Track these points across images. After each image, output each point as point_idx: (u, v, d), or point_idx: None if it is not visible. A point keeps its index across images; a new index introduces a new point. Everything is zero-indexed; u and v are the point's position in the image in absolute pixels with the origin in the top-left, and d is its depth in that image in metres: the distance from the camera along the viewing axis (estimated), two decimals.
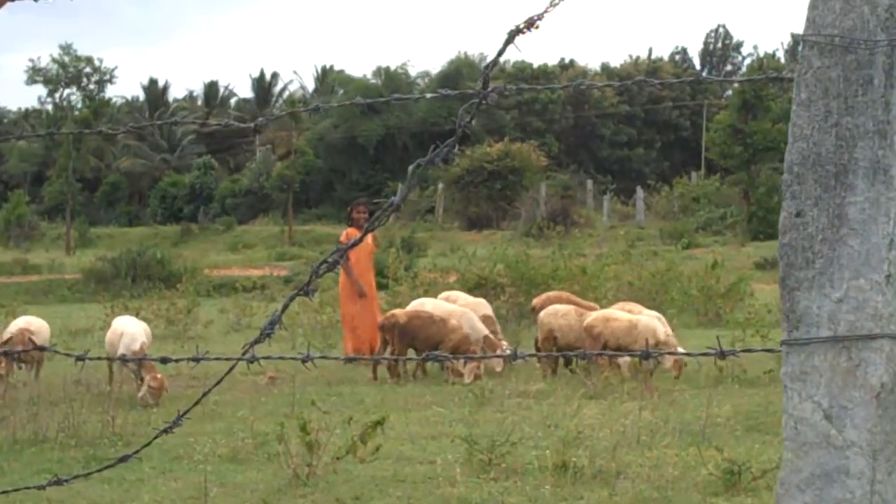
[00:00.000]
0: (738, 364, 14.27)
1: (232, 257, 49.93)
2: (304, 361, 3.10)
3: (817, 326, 2.26)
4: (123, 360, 2.67)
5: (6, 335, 14.57)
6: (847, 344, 2.24)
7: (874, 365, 2.22)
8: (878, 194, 2.23)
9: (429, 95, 3.00)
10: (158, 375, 13.20)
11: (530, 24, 2.66)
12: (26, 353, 11.11)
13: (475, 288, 22.77)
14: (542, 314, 15.83)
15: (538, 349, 15.36)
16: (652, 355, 2.88)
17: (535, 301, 17.54)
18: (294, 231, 59.75)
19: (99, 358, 3.99)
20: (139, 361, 12.67)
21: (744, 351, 2.82)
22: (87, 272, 37.34)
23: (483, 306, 17.39)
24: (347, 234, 17.95)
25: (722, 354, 2.68)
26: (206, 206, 73.07)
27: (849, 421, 2.24)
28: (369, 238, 17.95)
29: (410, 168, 2.80)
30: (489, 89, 2.75)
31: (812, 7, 2.29)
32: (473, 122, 2.76)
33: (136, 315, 18.54)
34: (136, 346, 13.58)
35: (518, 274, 23.13)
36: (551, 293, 18.27)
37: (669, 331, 15.52)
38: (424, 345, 15.06)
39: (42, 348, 3.71)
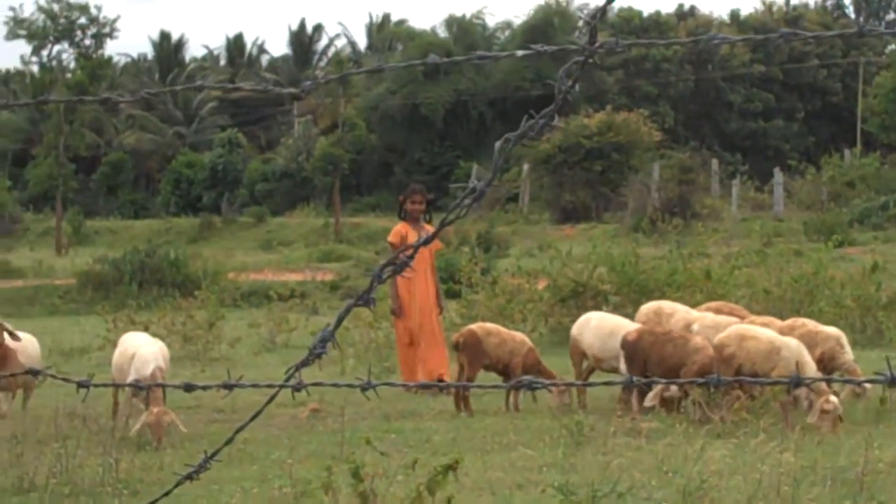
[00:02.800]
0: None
1: (264, 258, 50.14)
2: (363, 389, 3.11)
3: None
4: (137, 386, 2.67)
5: None
6: None
7: None
8: None
9: (519, 53, 3.00)
10: (156, 409, 13.13)
11: None
12: (12, 377, 11.12)
13: (570, 297, 22.78)
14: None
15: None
16: (803, 383, 2.89)
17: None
18: (341, 225, 59.99)
19: (107, 384, 4.03)
20: (151, 390, 12.76)
21: None
22: (83, 276, 37.57)
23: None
24: (398, 230, 17.89)
25: (893, 381, 2.68)
26: (232, 193, 73.38)
27: None
28: (428, 230, 17.90)
29: (498, 144, 2.81)
30: (596, 45, 2.76)
31: None
32: (577, 86, 2.77)
33: (146, 330, 18.64)
34: (148, 371, 13.63)
35: (625, 279, 23.15)
36: (712, 304, 18.25)
37: (848, 354, 15.55)
38: (659, 368, 14.69)
39: (34, 372, 3.71)
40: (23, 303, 33.94)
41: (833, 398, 13.40)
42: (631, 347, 14.97)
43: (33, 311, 32.21)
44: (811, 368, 13.96)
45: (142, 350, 14.38)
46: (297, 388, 3.02)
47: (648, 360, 14.70)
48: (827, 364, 15.32)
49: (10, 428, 13.34)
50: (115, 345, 16.03)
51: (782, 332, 15.53)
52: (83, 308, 32.67)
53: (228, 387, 3.19)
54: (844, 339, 15.90)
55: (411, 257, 3.01)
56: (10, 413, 14.46)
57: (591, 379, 15.94)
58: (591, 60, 2.74)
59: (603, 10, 2.67)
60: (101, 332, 22.00)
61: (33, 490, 10.87)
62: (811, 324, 16.32)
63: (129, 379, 13.21)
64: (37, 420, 14.16)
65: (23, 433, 13.34)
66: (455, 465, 9.66)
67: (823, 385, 13.46)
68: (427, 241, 2.95)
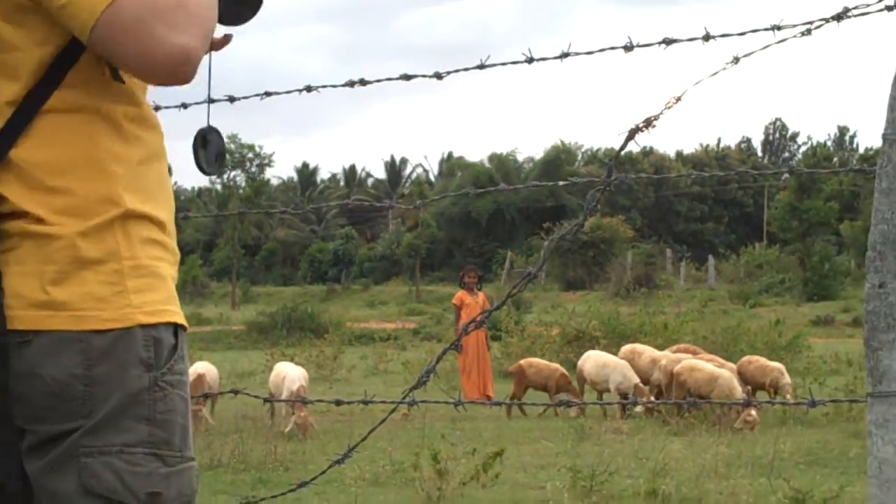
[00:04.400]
0: (800, 407, 14.12)
1: (369, 312, 50.17)
2: (456, 405, 3.12)
3: None
4: (304, 401, 2.64)
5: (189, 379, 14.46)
6: None
7: None
8: None
9: (561, 183, 3.02)
10: (303, 413, 13.20)
11: (648, 123, 2.68)
12: (220, 395, 11.19)
13: (574, 340, 22.73)
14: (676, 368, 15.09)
15: (657, 396, 15.34)
16: (753, 404, 2.87)
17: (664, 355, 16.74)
18: (420, 291, 59.99)
19: (281, 399, 4.03)
20: (293, 402, 12.80)
21: (831, 401, 2.80)
22: (250, 324, 37.67)
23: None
24: (459, 296, 18.00)
25: (813, 404, 2.66)
26: (348, 270, 73.77)
27: None
28: (481, 298, 17.96)
29: (546, 243, 2.83)
30: (612, 178, 2.77)
31: (891, 109, 2.29)
32: (598, 206, 2.78)
33: (291, 360, 18.67)
34: (295, 387, 13.65)
35: (610, 328, 23.11)
36: (681, 346, 18.22)
37: (787, 379, 15.49)
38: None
39: (235, 391, 3.73)
40: (209, 341, 34.02)
41: (753, 412, 13.31)
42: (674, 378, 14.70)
43: (216, 347, 32.26)
44: (738, 391, 13.87)
45: (290, 373, 14.39)
46: (412, 404, 3.02)
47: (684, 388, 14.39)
48: (772, 387, 15.24)
49: (203, 425, 13.37)
50: (271, 370, 16.05)
51: (742, 365, 15.48)
52: (250, 345, 32.75)
53: (365, 402, 3.19)
54: (784, 370, 15.83)
55: (485, 319, 3.01)
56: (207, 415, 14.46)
57: (588, 397, 15.99)
58: (608, 189, 2.75)
59: (617, 155, 2.67)
60: (262, 361, 22.01)
61: (220, 466, 10.88)
62: (762, 360, 16.29)
63: (284, 394, 13.25)
64: (220, 420, 14.22)
65: (212, 428, 13.41)
66: (500, 452, 9.63)
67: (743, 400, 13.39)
68: (497, 308, 2.95)
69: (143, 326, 2.22)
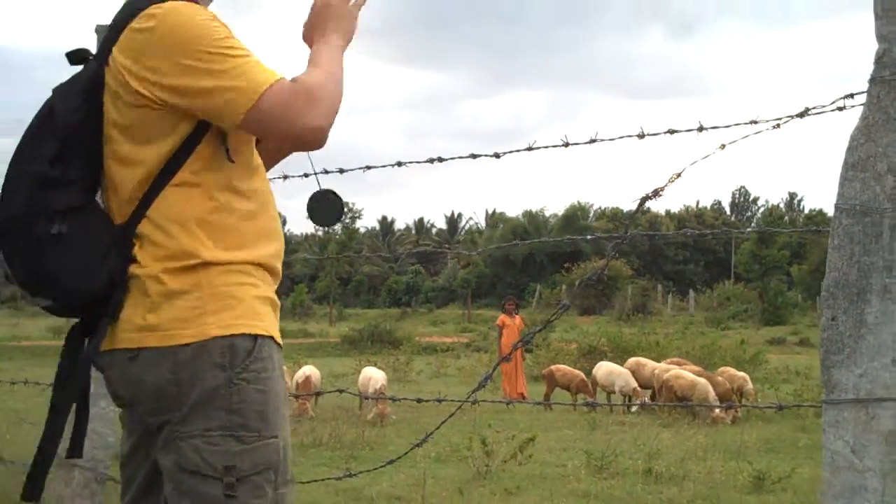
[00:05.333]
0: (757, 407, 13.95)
1: (433, 329, 50.12)
2: (507, 404, 3.11)
3: (846, 392, 2.23)
4: (393, 398, 2.64)
5: (298, 378, 14.41)
6: (866, 404, 2.20)
7: (884, 418, 2.19)
8: (886, 307, 2.21)
9: (588, 237, 3.02)
10: (381, 405, 13.08)
11: (656, 193, 2.67)
12: (326, 393, 11.24)
13: (588, 353, 22.56)
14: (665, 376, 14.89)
15: (652, 398, 15.17)
16: (732, 406, 2.85)
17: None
18: (471, 313, 59.91)
19: (376, 397, 4.03)
20: (376, 398, 12.77)
21: (795, 405, 2.77)
22: (343, 337, 37.68)
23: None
24: (501, 318, 18.08)
25: (780, 408, 2.64)
26: (416, 297, 73.86)
27: (866, 454, 2.20)
28: (517, 320, 17.95)
29: (577, 283, 2.81)
30: (628, 234, 2.76)
31: (841, 185, 2.29)
32: (616, 255, 2.78)
33: (374, 365, 18.67)
34: (378, 386, 13.63)
35: (615, 344, 22.90)
36: (672, 359, 17.95)
37: (750, 386, 15.24)
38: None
39: (340, 391, 3.74)
40: (312, 350, 34.03)
41: (718, 411, 13.15)
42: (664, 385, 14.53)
43: (318, 354, 32.22)
44: (712, 396, 13.67)
45: (374, 375, 14.39)
46: (474, 402, 3.02)
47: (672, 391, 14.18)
48: (739, 390, 14.94)
49: (307, 415, 13.37)
50: (359, 373, 16.03)
51: (714, 375, 15.11)
52: (343, 354, 32.77)
53: (439, 401, 3.18)
54: (748, 379, 15.60)
55: (530, 339, 3.00)
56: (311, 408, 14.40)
57: (599, 397, 15.82)
58: (625, 243, 2.75)
59: (631, 217, 2.67)
60: (352, 366, 21.99)
61: (321, 445, 10.79)
62: (732, 370, 16.06)
63: (370, 391, 13.23)
64: (321, 409, 14.20)
65: (315, 416, 13.40)
66: (532, 438, 9.57)
67: (716, 403, 13.23)
68: (539, 331, 2.94)
69: (220, 338, 2.26)
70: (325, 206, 2.57)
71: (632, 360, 17.13)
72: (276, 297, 2.41)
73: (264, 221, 2.40)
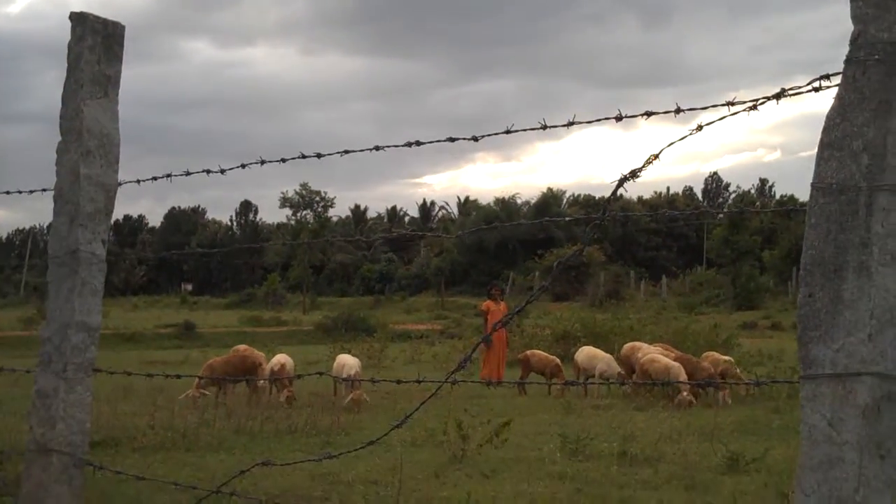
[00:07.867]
0: (734, 390, 14.05)
1: (406, 317, 50.15)
2: (488, 385, 3.12)
3: (822, 367, 2.26)
4: (373, 380, 2.63)
5: (274, 366, 14.32)
6: (843, 378, 2.23)
7: (860, 392, 2.22)
8: (862, 283, 2.23)
9: (567, 219, 3.05)
10: (356, 392, 13.00)
11: (633, 174, 2.69)
12: (306, 375, 11.30)
13: (561, 338, 22.65)
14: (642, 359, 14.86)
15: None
16: (713, 385, 2.87)
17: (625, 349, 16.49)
18: (445, 301, 59.95)
19: (354, 379, 4.03)
20: (352, 382, 12.74)
21: (772, 381, 2.80)
22: (317, 325, 37.71)
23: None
24: (486, 304, 18.11)
25: (758, 384, 2.67)
26: (389, 285, 73.84)
27: (843, 427, 2.23)
28: (503, 306, 18.01)
29: (555, 265, 2.82)
30: (606, 215, 2.78)
31: (818, 164, 2.32)
32: (595, 235, 2.78)
33: (349, 353, 18.65)
34: (352, 373, 13.58)
35: (588, 330, 23.02)
36: (658, 344, 17.85)
37: (735, 369, 15.20)
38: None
39: (319, 373, 3.73)
40: (287, 338, 34.01)
41: (685, 394, 13.22)
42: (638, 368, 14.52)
43: (292, 342, 32.21)
44: (684, 377, 13.76)
45: (347, 362, 14.33)
46: (454, 383, 3.03)
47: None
48: (723, 374, 14.78)
49: (282, 402, 13.31)
50: (333, 360, 16.01)
51: (701, 360, 15.00)
52: (316, 341, 32.75)
53: (418, 381, 3.19)
54: (733, 361, 15.67)
55: (509, 320, 3.01)
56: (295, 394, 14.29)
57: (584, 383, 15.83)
58: (602, 224, 2.76)
59: (609, 200, 2.69)
60: (326, 353, 22.01)
61: (296, 432, 10.72)
62: (716, 354, 16.08)
63: (343, 377, 13.19)
64: (297, 396, 14.16)
65: (287, 404, 13.35)
66: (508, 422, 9.59)
67: (688, 387, 13.31)
68: (518, 311, 2.95)
69: None
70: None
71: (627, 346, 17.11)
72: None
73: None
